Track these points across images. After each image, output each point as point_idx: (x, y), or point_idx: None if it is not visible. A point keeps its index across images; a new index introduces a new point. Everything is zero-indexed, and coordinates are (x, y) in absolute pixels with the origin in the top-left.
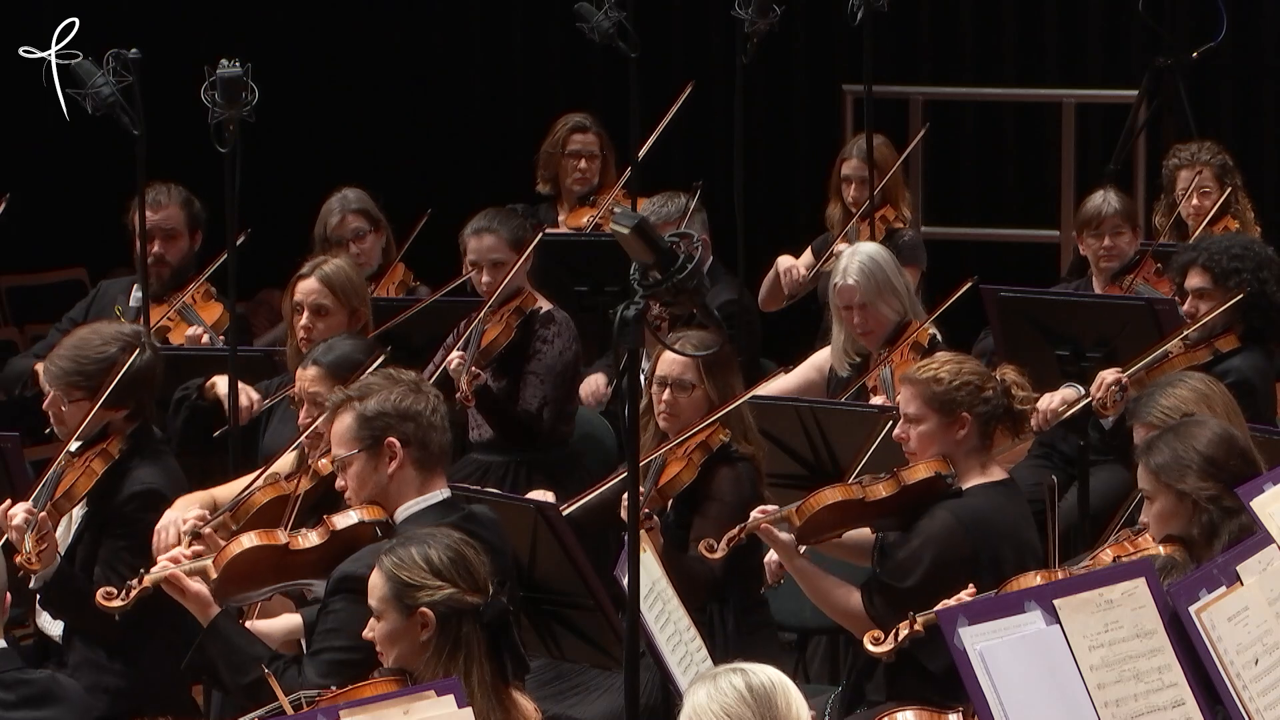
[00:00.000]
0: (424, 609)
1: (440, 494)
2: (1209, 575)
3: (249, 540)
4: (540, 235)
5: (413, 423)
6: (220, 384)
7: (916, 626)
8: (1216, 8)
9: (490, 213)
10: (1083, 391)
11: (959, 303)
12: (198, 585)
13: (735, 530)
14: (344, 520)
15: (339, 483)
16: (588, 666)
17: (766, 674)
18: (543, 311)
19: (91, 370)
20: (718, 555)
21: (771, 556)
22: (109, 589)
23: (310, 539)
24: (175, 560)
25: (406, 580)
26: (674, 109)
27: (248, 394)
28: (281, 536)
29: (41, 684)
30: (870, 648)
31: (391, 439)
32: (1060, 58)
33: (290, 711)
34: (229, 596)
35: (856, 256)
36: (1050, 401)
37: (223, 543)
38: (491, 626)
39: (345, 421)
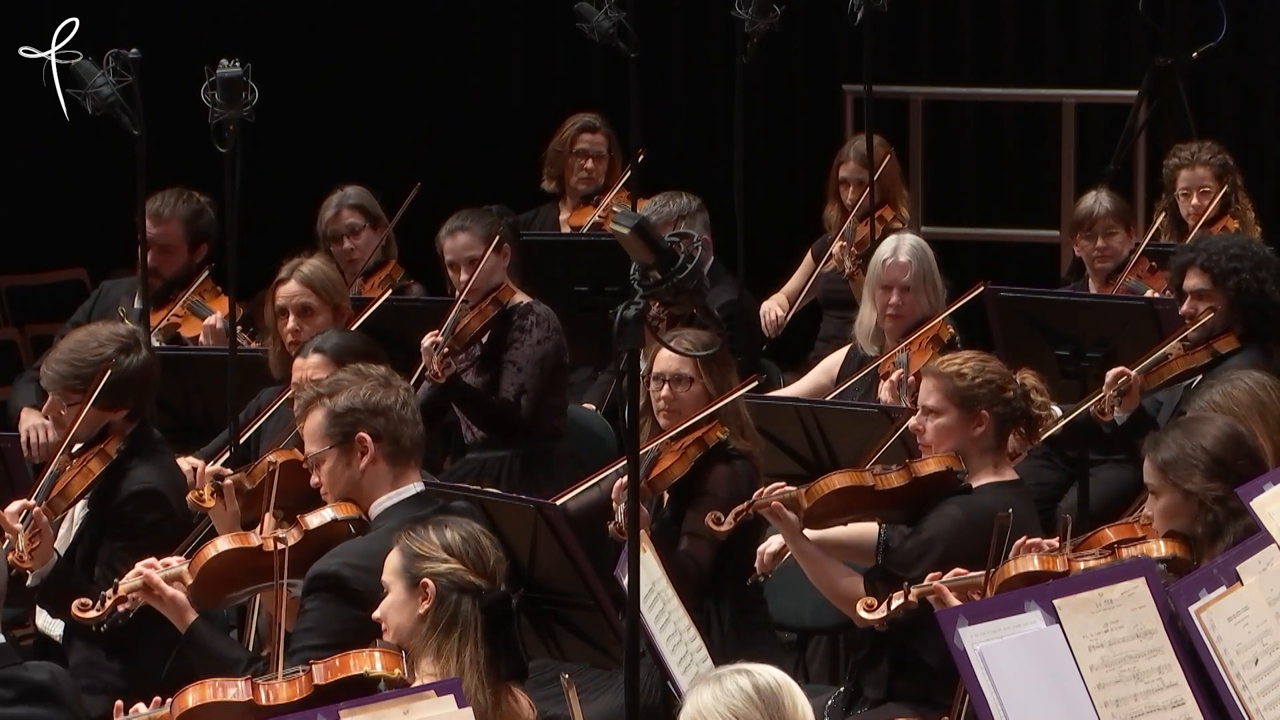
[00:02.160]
0: (427, 580)
1: (414, 487)
2: (1209, 575)
3: (223, 544)
4: (502, 224)
5: (383, 417)
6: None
7: (910, 597)
8: (1216, 8)
9: (463, 213)
10: (1059, 414)
11: (970, 304)
12: (173, 591)
13: (744, 505)
14: (317, 519)
15: (313, 480)
16: (588, 666)
17: (771, 674)
18: (522, 304)
19: (88, 373)
20: (724, 528)
21: (764, 547)
22: (84, 600)
23: (283, 540)
24: (151, 567)
25: (417, 551)
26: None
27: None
28: (254, 539)
29: (41, 680)
30: (862, 614)
31: (362, 434)
32: (1060, 58)
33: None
34: (207, 600)
35: (906, 239)
36: None
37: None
38: (490, 613)
39: (316, 419)
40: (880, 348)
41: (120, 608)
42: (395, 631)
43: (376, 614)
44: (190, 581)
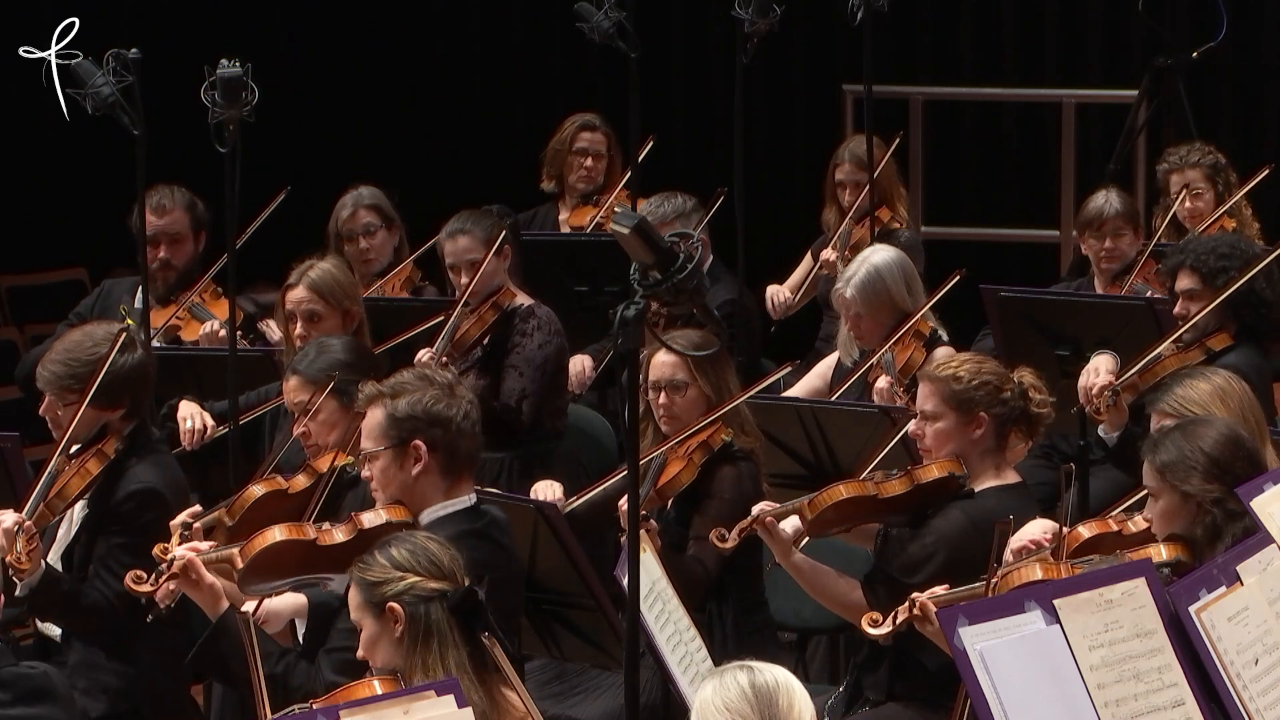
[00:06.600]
0: (392, 604)
1: (467, 500)
2: (1209, 575)
3: (279, 533)
4: (505, 227)
5: (441, 428)
6: (181, 407)
7: (915, 610)
8: (1216, 8)
9: (463, 215)
10: (1119, 360)
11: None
12: (212, 578)
13: (747, 521)
14: (372, 520)
15: (364, 473)
16: (588, 666)
17: (773, 673)
18: (523, 307)
19: (84, 373)
20: (729, 545)
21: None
22: (138, 573)
23: (337, 535)
24: (195, 550)
25: (371, 580)
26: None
27: (202, 418)
28: (310, 531)
29: (38, 680)
30: (868, 629)
31: (418, 442)
32: (1060, 58)
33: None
34: (249, 586)
35: (864, 267)
36: (1094, 377)
37: (206, 543)
38: (460, 611)
39: (376, 417)
40: (863, 353)
41: (172, 584)
42: (383, 661)
43: (360, 654)
44: (241, 565)
